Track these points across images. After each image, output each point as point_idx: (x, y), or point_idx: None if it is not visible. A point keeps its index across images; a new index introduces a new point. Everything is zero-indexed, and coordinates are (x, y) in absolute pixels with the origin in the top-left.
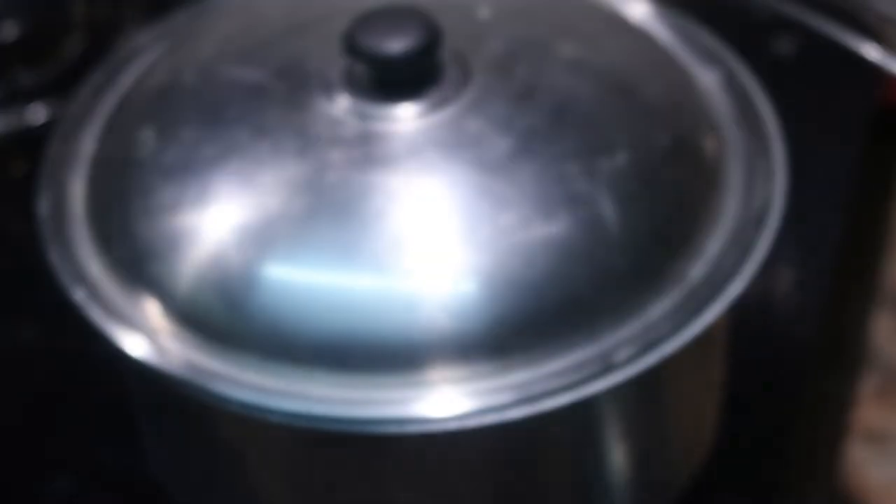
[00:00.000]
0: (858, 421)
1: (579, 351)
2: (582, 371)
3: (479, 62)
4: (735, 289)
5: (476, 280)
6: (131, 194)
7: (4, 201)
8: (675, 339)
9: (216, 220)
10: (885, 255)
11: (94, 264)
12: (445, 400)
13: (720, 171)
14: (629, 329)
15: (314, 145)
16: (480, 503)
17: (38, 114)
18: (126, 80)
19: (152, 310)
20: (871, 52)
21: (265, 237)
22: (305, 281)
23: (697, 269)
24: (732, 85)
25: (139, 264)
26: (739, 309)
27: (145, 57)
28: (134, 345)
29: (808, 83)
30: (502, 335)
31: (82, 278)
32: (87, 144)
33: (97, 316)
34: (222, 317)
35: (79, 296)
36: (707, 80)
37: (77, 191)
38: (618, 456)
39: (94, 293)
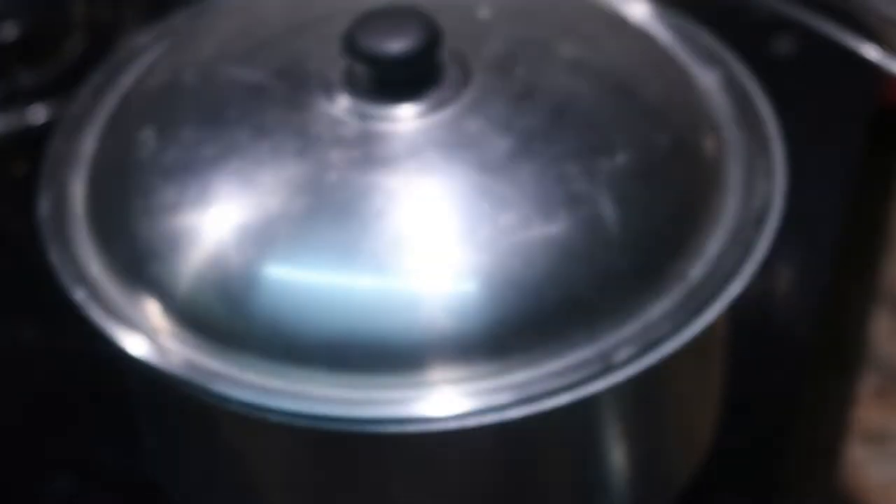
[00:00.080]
0: (858, 421)
1: (579, 351)
2: (582, 371)
3: (479, 62)
4: (735, 289)
5: (476, 280)
6: (131, 194)
7: (4, 201)
8: (675, 339)
9: (216, 220)
10: (885, 255)
11: (94, 264)
12: (445, 400)
13: (720, 171)
14: (629, 329)
15: (314, 145)
16: (481, 503)
17: (38, 114)
18: (126, 81)
19: (152, 310)
20: (871, 52)
21: (265, 237)
22: (305, 281)
23: (697, 269)
24: (732, 85)
25: (139, 264)
26: (739, 309)
27: (145, 57)
28: (134, 345)
29: (808, 83)
30: (502, 335)
31: (82, 278)
32: (88, 144)
33: (97, 316)
34: (222, 317)
35: (79, 296)
36: (707, 80)
37: (77, 191)
38: (618, 456)
39: (95, 293)
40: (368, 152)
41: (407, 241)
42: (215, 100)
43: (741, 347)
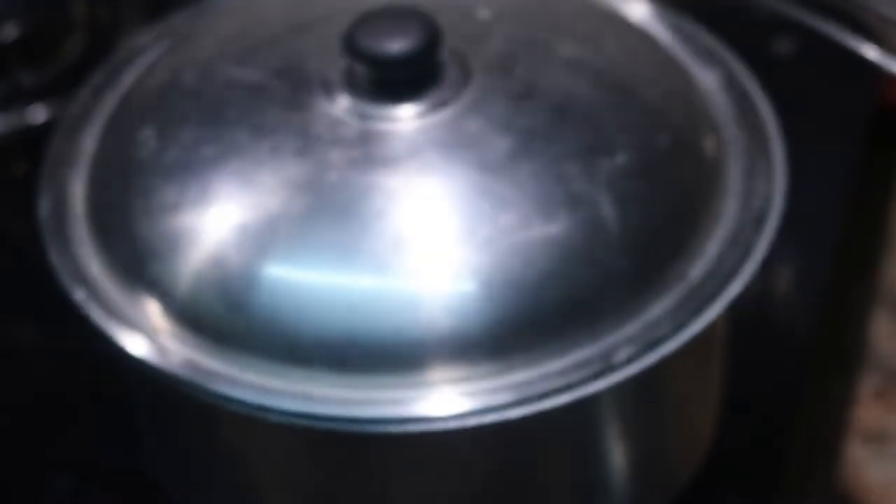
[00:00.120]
0: (858, 421)
1: (579, 351)
2: (582, 371)
3: (479, 62)
4: (735, 289)
5: (476, 280)
6: (131, 194)
7: (4, 201)
8: (675, 338)
9: (216, 220)
10: (885, 255)
11: (94, 264)
12: (445, 400)
13: (720, 172)
14: (629, 329)
15: (314, 145)
16: (481, 503)
17: (38, 114)
18: (126, 81)
19: (152, 310)
20: (871, 52)
21: (265, 237)
22: (305, 281)
23: (697, 268)
24: (732, 85)
25: (139, 264)
26: (739, 309)
27: (145, 57)
28: (134, 345)
29: (808, 83)
30: (502, 335)
31: (82, 278)
32: (88, 144)
33: (97, 316)
34: (222, 317)
35: (79, 296)
36: (707, 80)
37: (77, 191)
38: (618, 456)
39: (95, 293)
40: (368, 152)
41: (407, 241)
42: (215, 100)
43: (741, 347)
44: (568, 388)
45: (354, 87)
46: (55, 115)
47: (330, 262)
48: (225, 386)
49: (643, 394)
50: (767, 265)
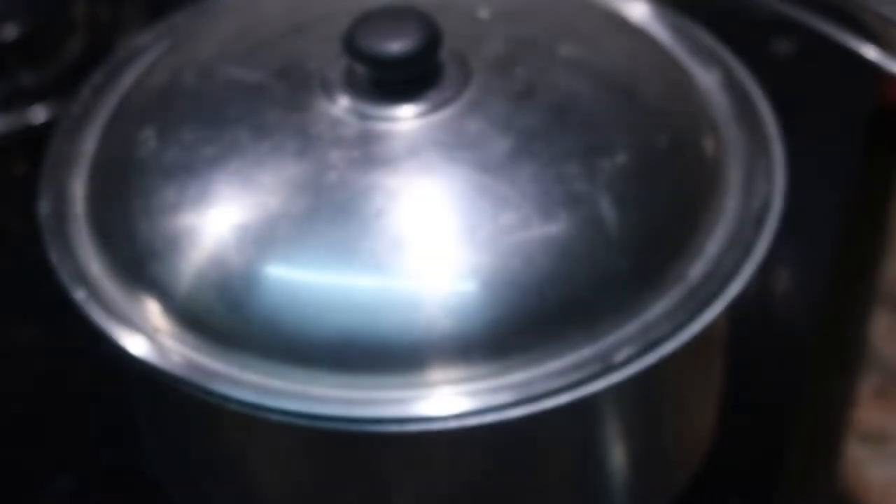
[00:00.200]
0: (858, 421)
1: (579, 351)
2: (582, 371)
3: (479, 62)
4: (734, 289)
5: (476, 280)
6: (132, 194)
7: (4, 201)
8: (675, 339)
9: (216, 220)
10: (885, 255)
11: (94, 264)
12: (445, 400)
13: (720, 171)
14: (629, 329)
15: (314, 145)
16: (481, 503)
17: (38, 114)
18: (126, 81)
19: (153, 310)
20: (871, 52)
21: (265, 237)
22: (305, 281)
23: (697, 269)
24: (732, 85)
25: (140, 264)
26: (739, 309)
27: (145, 57)
28: (134, 344)
29: (808, 83)
30: (502, 335)
31: (83, 278)
32: (88, 144)
33: (97, 316)
34: (223, 317)
35: (79, 295)
36: (707, 80)
37: (77, 191)
38: (618, 456)
39: (95, 293)
40: (368, 152)
41: (407, 241)
42: (215, 100)
43: (741, 347)
44: (568, 388)
45: (354, 87)
46: (55, 115)
47: (330, 262)
48: (225, 386)
49: (643, 394)
50: (767, 265)
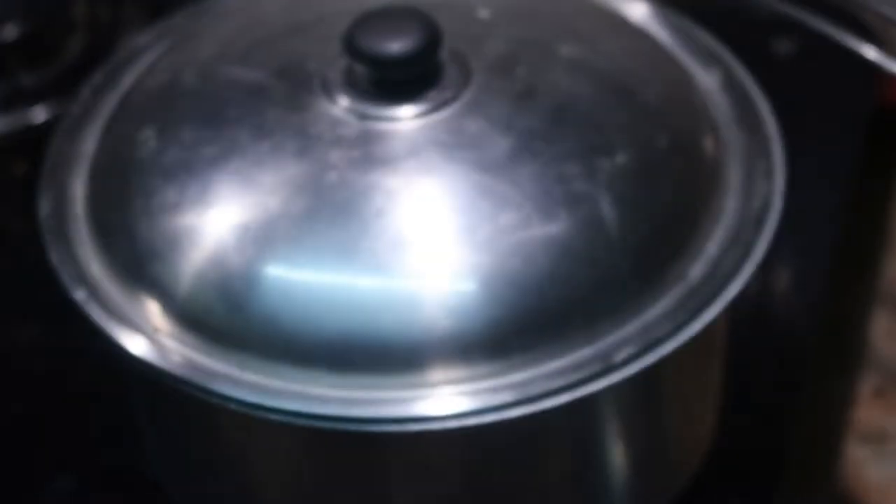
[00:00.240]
0: (858, 421)
1: (579, 351)
2: (582, 371)
3: (479, 62)
4: (734, 289)
5: (476, 280)
6: (132, 194)
7: (4, 201)
8: (675, 338)
9: (216, 220)
10: (885, 255)
11: (94, 264)
12: (445, 400)
13: (720, 172)
14: (629, 329)
15: (314, 145)
16: (481, 503)
17: (38, 114)
18: (126, 81)
19: (153, 310)
20: (871, 52)
21: (265, 237)
22: (305, 281)
23: (697, 268)
24: (732, 85)
25: (140, 264)
26: (739, 309)
27: (146, 57)
28: (134, 344)
29: (808, 83)
30: (502, 335)
31: (83, 278)
32: (88, 144)
33: (98, 315)
34: (223, 317)
35: (79, 295)
36: (707, 80)
37: (78, 191)
38: (618, 456)
39: (95, 293)
40: (368, 152)
41: (407, 241)
42: (215, 100)
43: (741, 347)
44: (568, 388)
45: (354, 87)
46: (55, 115)
47: (330, 262)
48: (225, 386)
49: (643, 394)
50: (767, 265)
